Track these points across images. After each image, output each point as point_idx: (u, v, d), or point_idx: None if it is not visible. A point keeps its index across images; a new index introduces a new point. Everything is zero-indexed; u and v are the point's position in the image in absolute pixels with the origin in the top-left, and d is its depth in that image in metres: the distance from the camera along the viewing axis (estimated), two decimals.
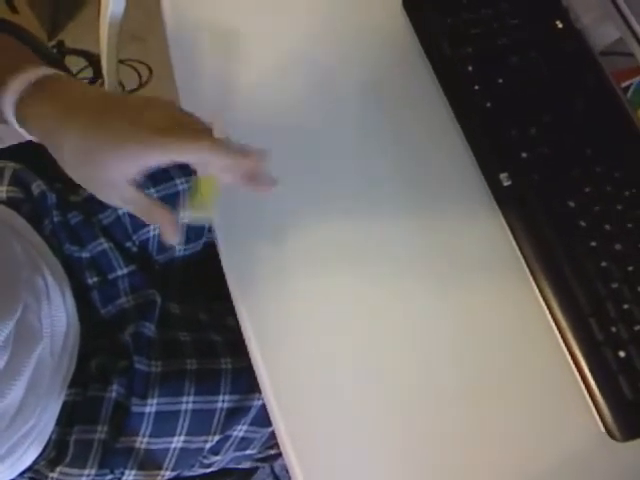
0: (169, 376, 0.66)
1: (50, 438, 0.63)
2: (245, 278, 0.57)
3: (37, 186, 0.71)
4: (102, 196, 0.49)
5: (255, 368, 0.55)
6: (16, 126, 0.47)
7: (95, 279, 0.70)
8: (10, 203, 0.69)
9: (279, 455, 0.75)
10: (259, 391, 0.66)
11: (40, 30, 1.35)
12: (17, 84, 0.45)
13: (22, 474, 0.64)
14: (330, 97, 0.60)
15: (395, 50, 0.60)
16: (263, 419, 0.68)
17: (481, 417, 0.51)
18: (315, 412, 0.53)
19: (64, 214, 0.71)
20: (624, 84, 0.59)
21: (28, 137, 0.48)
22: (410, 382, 0.52)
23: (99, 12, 0.91)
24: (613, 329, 0.48)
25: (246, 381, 0.67)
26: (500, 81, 0.55)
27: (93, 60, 1.18)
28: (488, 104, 0.55)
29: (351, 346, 0.54)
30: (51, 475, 0.64)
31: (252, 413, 0.68)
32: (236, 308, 0.57)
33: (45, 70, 0.46)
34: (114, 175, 0.46)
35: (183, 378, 0.66)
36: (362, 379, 0.53)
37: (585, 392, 0.49)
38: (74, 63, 1.13)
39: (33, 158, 0.72)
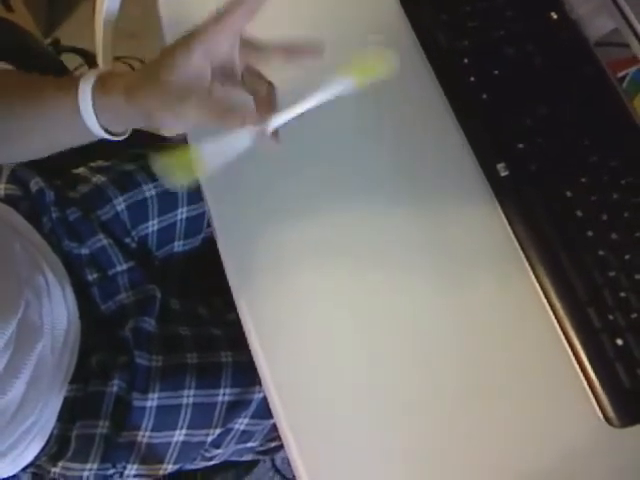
0: (170, 370, 0.67)
1: (52, 433, 0.63)
2: (244, 271, 0.58)
3: (35, 183, 0.71)
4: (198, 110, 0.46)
5: (255, 361, 0.55)
6: (92, 117, 0.48)
7: (95, 275, 0.70)
8: (8, 201, 0.69)
9: (280, 447, 0.76)
10: (260, 384, 0.67)
11: (35, 28, 1.35)
12: (88, 81, 0.47)
13: (24, 469, 0.65)
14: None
15: (391, 43, 0.60)
16: (264, 412, 0.69)
17: (480, 406, 0.51)
18: (316, 404, 0.53)
19: (63, 210, 0.71)
20: (620, 74, 0.60)
21: (96, 129, 0.49)
22: (409, 371, 0.52)
23: (94, 10, 0.91)
24: (610, 317, 0.49)
25: (247, 374, 0.67)
26: (496, 73, 0.56)
27: (89, 58, 1.18)
28: (484, 96, 0.55)
29: (351, 338, 0.54)
30: (53, 470, 0.65)
31: (253, 406, 0.68)
32: (236, 301, 0.57)
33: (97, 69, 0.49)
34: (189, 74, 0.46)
35: (184, 372, 0.66)
36: (362, 371, 0.53)
37: (583, 380, 0.49)
38: (70, 61, 1.13)
39: None
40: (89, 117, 0.48)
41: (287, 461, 0.57)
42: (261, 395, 0.68)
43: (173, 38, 0.64)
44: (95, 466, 0.64)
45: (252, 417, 0.69)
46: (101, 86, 0.47)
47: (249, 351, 0.57)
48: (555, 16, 0.57)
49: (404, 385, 0.52)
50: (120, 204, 0.73)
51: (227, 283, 0.58)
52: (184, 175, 0.45)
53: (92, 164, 0.77)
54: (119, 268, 0.71)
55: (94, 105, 0.47)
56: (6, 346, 0.56)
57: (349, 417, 0.52)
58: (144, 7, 1.00)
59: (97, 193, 0.73)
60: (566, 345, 0.50)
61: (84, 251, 0.70)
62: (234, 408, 0.68)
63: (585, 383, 0.49)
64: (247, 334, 0.56)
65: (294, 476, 0.57)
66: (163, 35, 0.66)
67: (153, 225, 0.75)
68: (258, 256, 0.57)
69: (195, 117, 0.45)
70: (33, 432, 0.62)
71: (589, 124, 0.55)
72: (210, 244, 0.76)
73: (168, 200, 0.75)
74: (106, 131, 0.50)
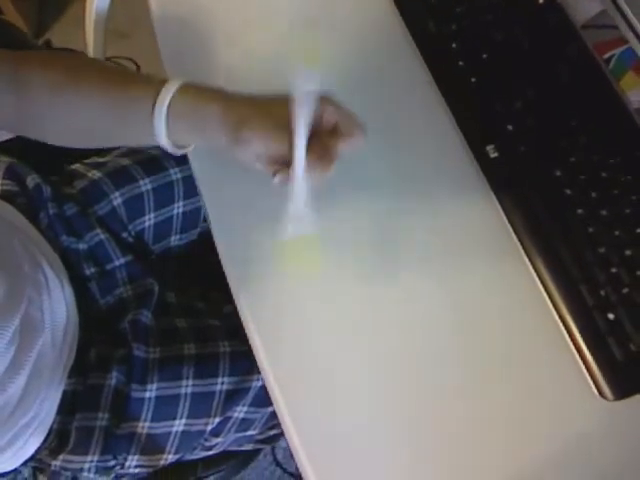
0: (167, 361, 0.67)
1: (51, 427, 0.64)
2: (242, 262, 0.58)
3: (32, 179, 0.71)
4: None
5: (255, 353, 0.55)
6: (163, 132, 0.49)
7: (93, 270, 0.71)
8: (5, 196, 0.69)
9: (280, 435, 0.76)
10: (258, 372, 0.67)
11: (26, 30, 1.35)
12: (166, 92, 0.48)
13: (25, 463, 0.65)
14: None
15: (379, 29, 0.61)
16: (263, 399, 0.69)
17: (478, 391, 0.51)
18: (316, 393, 0.53)
19: (60, 206, 0.71)
20: (606, 55, 0.60)
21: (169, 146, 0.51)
22: (409, 358, 0.53)
23: (85, 11, 0.92)
24: (602, 293, 0.49)
25: (244, 363, 0.68)
26: (484, 56, 0.56)
27: None
28: (473, 79, 0.56)
29: (350, 327, 0.54)
30: (54, 463, 0.65)
31: (251, 394, 0.69)
32: (234, 294, 0.57)
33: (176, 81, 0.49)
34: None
35: (181, 362, 0.67)
36: (362, 358, 0.53)
37: (578, 358, 0.50)
38: None
39: (26, 152, 0.73)
40: (160, 119, 0.48)
41: (288, 454, 0.57)
42: (259, 383, 0.69)
43: (164, 38, 0.65)
44: (96, 458, 0.65)
45: (251, 405, 0.69)
46: (188, 91, 0.48)
47: (246, 340, 0.57)
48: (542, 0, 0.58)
49: (404, 373, 0.53)
50: (116, 199, 0.73)
51: (224, 276, 0.59)
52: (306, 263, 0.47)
53: (87, 160, 0.77)
54: (117, 262, 0.72)
55: (171, 107, 0.48)
56: (11, 342, 0.56)
57: (348, 404, 0.52)
58: (134, 7, 1.00)
59: (93, 188, 0.73)
60: (559, 323, 0.50)
61: (82, 246, 0.71)
62: (233, 396, 0.68)
63: (579, 360, 0.50)
64: (245, 327, 0.56)
65: (295, 469, 0.58)
66: (155, 34, 0.66)
67: (150, 219, 0.75)
68: (255, 248, 0.58)
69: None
70: (33, 426, 0.62)
71: (576, 105, 0.56)
72: (207, 238, 0.76)
73: (164, 194, 0.75)
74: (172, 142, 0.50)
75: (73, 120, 0.52)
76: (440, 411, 0.51)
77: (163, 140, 0.50)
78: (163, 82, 0.49)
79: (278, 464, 1.07)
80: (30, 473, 0.67)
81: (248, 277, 0.57)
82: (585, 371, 0.49)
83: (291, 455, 0.54)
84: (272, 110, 0.47)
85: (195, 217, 0.78)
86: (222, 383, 0.67)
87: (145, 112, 0.49)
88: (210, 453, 0.73)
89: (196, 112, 0.49)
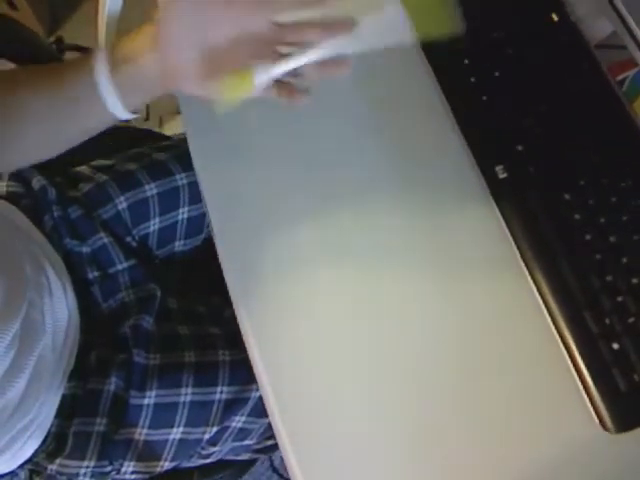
0: (167, 368, 0.67)
1: (49, 430, 0.64)
2: (243, 273, 0.57)
3: (37, 181, 0.71)
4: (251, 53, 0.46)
5: (252, 362, 0.55)
6: (108, 89, 0.47)
7: (96, 273, 0.70)
8: (10, 198, 0.69)
9: (277, 446, 0.76)
10: (257, 382, 0.67)
11: (39, 27, 1.36)
12: (101, 52, 0.47)
13: (22, 466, 0.65)
14: (326, 92, 0.60)
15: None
16: (261, 410, 0.69)
17: (478, 411, 0.51)
18: (313, 406, 0.53)
19: (64, 209, 0.71)
20: (619, 77, 0.59)
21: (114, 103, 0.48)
22: (406, 376, 0.52)
23: (97, 8, 0.92)
24: (607, 321, 0.49)
25: (244, 373, 0.68)
26: (496, 74, 0.56)
27: None
28: (484, 97, 0.55)
29: (349, 339, 0.54)
30: (50, 467, 0.65)
31: (250, 404, 0.69)
32: (234, 303, 0.57)
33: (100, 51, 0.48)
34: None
35: (181, 370, 0.67)
36: (359, 371, 0.53)
37: (579, 384, 0.49)
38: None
39: None
40: (107, 91, 0.47)
41: None
42: (258, 394, 0.68)
43: None
44: (92, 463, 0.65)
45: (249, 415, 0.69)
46: (118, 54, 0.47)
47: (246, 350, 0.57)
48: (556, 18, 0.57)
49: (404, 386, 0.52)
50: (122, 203, 0.73)
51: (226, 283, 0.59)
52: (232, 95, 0.45)
53: (94, 163, 0.77)
54: (120, 266, 0.72)
55: (111, 72, 0.47)
56: (10, 345, 0.56)
57: (346, 419, 0.52)
58: (143, 6, 1.00)
59: (99, 192, 0.73)
60: (563, 348, 0.50)
61: (85, 249, 0.71)
62: (231, 406, 0.68)
63: (581, 387, 0.49)
64: (244, 336, 0.56)
65: None
66: None
67: (154, 224, 0.75)
68: (257, 257, 0.57)
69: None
70: (31, 429, 0.62)
71: (588, 126, 0.55)
72: (211, 244, 0.76)
73: (169, 200, 0.75)
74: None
75: (27, 134, 0.51)
76: (438, 431, 0.51)
77: (120, 111, 0.49)
78: (90, 58, 0.47)
79: (275, 470, 1.07)
80: (27, 476, 0.67)
81: (249, 288, 0.57)
82: (587, 400, 0.49)
83: None
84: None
85: (200, 223, 0.78)
86: (221, 392, 0.67)
87: (90, 91, 0.48)
88: (207, 461, 0.73)
89: (135, 74, 0.47)
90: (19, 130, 0.50)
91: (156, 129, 1.32)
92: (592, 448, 0.49)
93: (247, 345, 0.55)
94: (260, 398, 0.68)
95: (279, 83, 0.48)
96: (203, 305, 0.76)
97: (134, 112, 0.51)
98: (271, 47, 0.46)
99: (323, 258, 0.56)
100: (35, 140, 0.52)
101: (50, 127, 0.51)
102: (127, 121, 0.52)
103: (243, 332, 0.56)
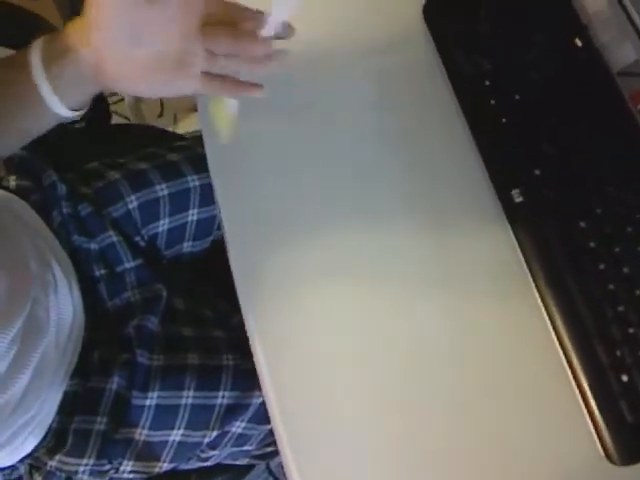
0: (170, 370, 0.67)
1: (50, 427, 0.64)
2: (252, 278, 0.58)
3: (47, 176, 0.71)
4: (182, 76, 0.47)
5: (257, 367, 0.55)
6: (47, 87, 0.46)
7: (103, 271, 0.70)
8: (19, 192, 0.69)
9: (276, 453, 0.76)
10: (259, 389, 0.67)
11: (58, 17, 1.35)
12: (36, 48, 0.45)
13: (22, 460, 0.65)
14: (344, 104, 0.60)
15: (413, 61, 0.60)
16: (262, 417, 0.69)
17: (481, 435, 0.51)
18: (315, 412, 0.53)
19: (74, 205, 0.71)
20: None
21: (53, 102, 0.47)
22: (410, 388, 0.53)
23: None
24: (618, 353, 0.49)
25: (246, 378, 0.68)
26: (517, 97, 0.55)
27: None
28: (504, 120, 0.55)
29: (358, 346, 0.54)
30: (50, 463, 0.65)
31: (251, 410, 0.69)
32: (242, 309, 0.57)
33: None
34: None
35: (184, 373, 0.67)
36: (362, 380, 0.53)
37: (586, 414, 0.49)
38: None
39: (44, 148, 0.73)
40: (45, 88, 0.45)
41: (282, 466, 0.57)
42: (260, 400, 0.68)
43: None
44: (91, 461, 0.65)
45: (249, 421, 0.69)
46: (53, 50, 0.45)
47: (251, 356, 0.57)
48: (579, 43, 0.56)
49: (404, 396, 0.52)
50: (132, 202, 0.73)
51: (233, 286, 0.58)
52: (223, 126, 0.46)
53: (106, 160, 0.77)
54: (127, 265, 0.72)
55: (47, 70, 0.45)
56: (12, 342, 0.56)
57: (347, 426, 0.52)
58: None
59: (110, 189, 0.73)
60: (571, 377, 0.50)
61: (93, 246, 0.70)
62: (232, 411, 0.68)
63: (588, 417, 0.49)
64: (251, 341, 0.56)
65: None
66: None
67: (164, 225, 0.75)
68: (267, 263, 0.57)
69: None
70: (33, 424, 0.62)
71: (607, 154, 0.54)
72: (219, 246, 0.76)
73: (180, 201, 0.75)
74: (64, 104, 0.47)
75: None
76: (443, 451, 0.51)
77: (60, 109, 0.47)
78: (25, 54, 0.46)
79: (271, 473, 1.07)
80: (26, 470, 0.67)
81: (258, 293, 0.57)
82: (593, 430, 0.48)
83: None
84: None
85: (209, 225, 0.78)
86: (223, 397, 0.67)
87: (28, 89, 0.46)
88: (205, 465, 0.73)
89: (70, 70, 0.45)
90: None
91: (170, 126, 1.32)
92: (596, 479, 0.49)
93: (253, 349, 0.55)
94: (261, 405, 0.68)
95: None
96: (209, 308, 0.76)
97: (78, 109, 0.49)
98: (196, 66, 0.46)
99: (335, 265, 0.56)
100: None
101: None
102: (74, 121, 0.51)
103: (249, 333, 0.56)
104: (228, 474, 0.77)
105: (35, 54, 0.46)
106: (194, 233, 0.77)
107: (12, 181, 0.69)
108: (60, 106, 0.47)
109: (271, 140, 0.61)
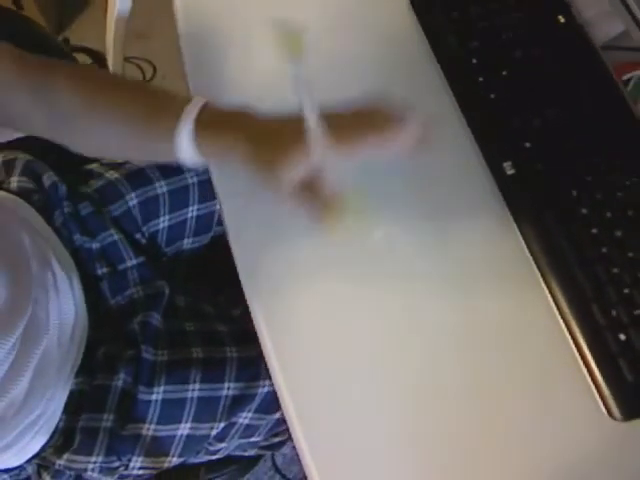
0: (175, 364, 0.67)
1: (57, 426, 0.64)
2: (257, 272, 0.57)
3: (48, 177, 0.72)
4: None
5: (266, 357, 0.55)
6: (190, 150, 0.48)
7: (105, 270, 0.71)
8: (20, 193, 0.70)
9: (283, 443, 0.76)
10: (264, 378, 0.67)
11: (45, 27, 1.36)
12: (190, 113, 0.47)
13: (29, 461, 0.65)
14: (336, 90, 0.61)
15: (401, 42, 0.61)
16: (268, 406, 0.69)
17: (484, 405, 0.51)
18: (325, 399, 0.53)
19: (75, 205, 0.72)
20: (624, 77, 0.61)
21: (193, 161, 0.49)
22: (418, 373, 0.53)
23: (104, 10, 0.92)
24: (613, 313, 0.50)
25: (251, 369, 0.68)
26: (504, 73, 0.57)
27: (98, 58, 1.19)
28: (492, 95, 0.56)
29: (365, 337, 0.54)
30: (58, 462, 0.65)
31: (257, 400, 0.69)
32: (248, 301, 0.57)
33: (199, 99, 0.48)
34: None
35: (189, 366, 0.67)
36: (372, 369, 0.53)
37: (586, 375, 0.50)
38: (80, 61, 1.14)
39: (44, 150, 0.73)
40: (186, 151, 0.48)
41: (288, 460, 0.57)
42: (265, 390, 0.69)
43: (188, 38, 0.66)
44: (100, 459, 0.65)
45: (256, 411, 0.70)
46: (205, 128, 0.47)
47: (254, 346, 0.57)
48: (562, 19, 0.58)
49: (419, 388, 0.52)
50: (132, 200, 0.74)
51: (234, 280, 0.59)
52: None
53: (105, 160, 0.78)
54: (129, 263, 0.72)
55: (194, 141, 0.47)
56: (11, 349, 0.56)
57: (357, 413, 0.52)
58: (153, 9, 1.01)
59: (110, 188, 0.74)
60: (570, 340, 0.50)
61: (95, 245, 0.71)
62: (238, 402, 0.68)
63: (589, 378, 0.50)
64: (258, 331, 0.56)
65: (294, 476, 0.57)
66: (177, 35, 0.67)
67: (164, 222, 0.76)
68: (272, 258, 0.57)
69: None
70: (39, 424, 0.63)
71: (594, 125, 0.56)
72: (219, 242, 0.77)
73: (179, 197, 0.76)
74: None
75: (96, 137, 0.53)
76: (451, 426, 0.51)
77: (189, 163, 0.49)
78: (184, 103, 0.47)
79: (277, 470, 1.06)
80: (34, 470, 0.67)
81: (263, 287, 0.57)
82: (595, 390, 0.49)
83: (291, 461, 0.53)
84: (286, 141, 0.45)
85: (209, 221, 0.79)
86: (228, 388, 0.68)
87: (168, 138, 0.47)
88: (213, 457, 0.73)
89: (218, 143, 0.47)
90: (99, 130, 0.52)
91: None
92: (599, 436, 0.49)
93: (262, 342, 0.55)
94: (267, 394, 0.69)
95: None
96: (210, 303, 0.77)
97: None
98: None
99: (338, 259, 0.57)
100: (96, 148, 0.55)
101: (114, 144, 0.53)
102: None
103: (255, 322, 0.56)
104: (236, 465, 0.77)
105: (188, 114, 0.47)
106: (194, 229, 0.78)
107: (14, 182, 0.70)
108: (189, 160, 0.49)
109: None
